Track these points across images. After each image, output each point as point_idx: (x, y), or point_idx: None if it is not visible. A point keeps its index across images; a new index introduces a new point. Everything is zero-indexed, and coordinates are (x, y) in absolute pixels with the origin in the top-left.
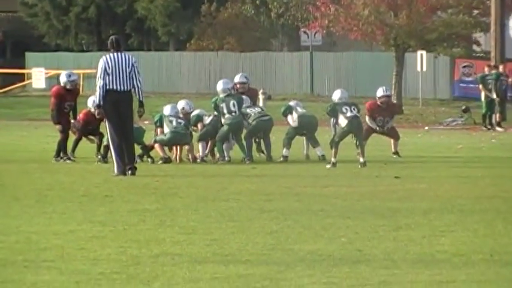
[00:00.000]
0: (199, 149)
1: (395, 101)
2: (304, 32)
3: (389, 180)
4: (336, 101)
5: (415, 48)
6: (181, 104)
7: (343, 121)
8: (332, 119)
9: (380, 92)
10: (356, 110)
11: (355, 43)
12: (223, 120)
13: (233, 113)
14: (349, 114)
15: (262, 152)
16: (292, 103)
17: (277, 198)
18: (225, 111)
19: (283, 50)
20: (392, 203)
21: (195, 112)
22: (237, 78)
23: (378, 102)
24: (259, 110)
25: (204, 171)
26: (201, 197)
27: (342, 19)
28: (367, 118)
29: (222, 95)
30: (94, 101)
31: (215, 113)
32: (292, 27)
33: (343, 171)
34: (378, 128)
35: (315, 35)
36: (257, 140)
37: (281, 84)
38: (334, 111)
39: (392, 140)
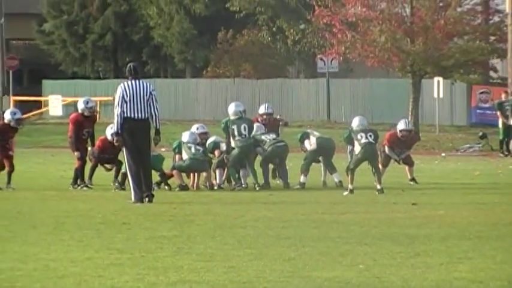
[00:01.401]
0: (217, 176)
1: (413, 127)
2: (321, 59)
3: (407, 207)
4: (355, 128)
5: (431, 74)
6: (194, 127)
7: (357, 148)
8: (348, 146)
9: (402, 126)
10: (372, 137)
11: (372, 70)
12: (233, 143)
13: (243, 136)
14: (363, 141)
15: (281, 177)
16: (308, 130)
17: (294, 225)
18: (236, 133)
19: (300, 76)
20: (410, 230)
21: (212, 139)
22: (263, 109)
23: (399, 135)
24: (274, 136)
25: (221, 198)
26: (218, 224)
27: (358, 46)
28: (386, 149)
29: (233, 117)
30: (112, 129)
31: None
32: (308, 54)
33: (360, 198)
34: (397, 158)
35: (331, 61)
36: (273, 166)
37: (298, 111)
38: (349, 138)
39: (406, 167)
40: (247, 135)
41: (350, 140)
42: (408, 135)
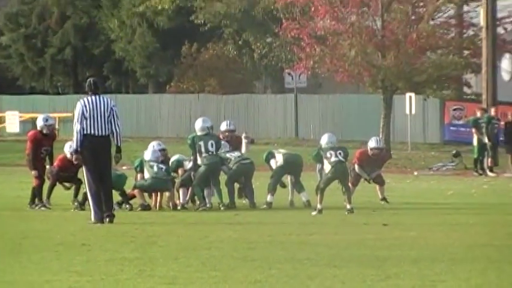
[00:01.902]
0: (180, 195)
1: (384, 145)
2: (289, 74)
3: (378, 228)
4: (324, 145)
5: (403, 90)
6: (152, 144)
7: (327, 167)
8: (318, 165)
9: (372, 144)
10: (342, 154)
11: (342, 85)
12: (199, 160)
13: (210, 153)
14: (333, 159)
15: (246, 196)
16: (272, 150)
17: (260, 246)
18: (203, 149)
19: (267, 92)
20: (381, 252)
21: (175, 157)
22: (224, 126)
23: (370, 153)
24: (238, 154)
25: (185, 219)
26: (181, 246)
27: (327, 60)
28: (356, 167)
29: (200, 133)
30: (71, 146)
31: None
32: (276, 69)
33: (329, 218)
34: (368, 178)
35: (299, 76)
36: (239, 185)
37: (264, 127)
38: (319, 156)
39: (377, 186)
40: (214, 152)
41: (319, 159)
42: (379, 153)
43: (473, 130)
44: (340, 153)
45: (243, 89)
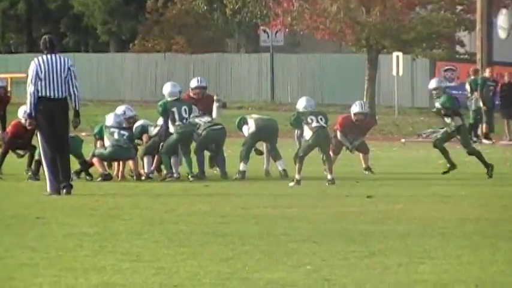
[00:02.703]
0: (145, 164)
1: (369, 110)
2: (264, 31)
3: (361, 200)
4: (301, 110)
5: (390, 49)
6: (121, 108)
7: (308, 133)
8: (296, 131)
9: (356, 108)
10: (324, 120)
11: (322, 43)
12: (172, 128)
13: (184, 120)
14: (314, 124)
15: (218, 166)
16: (245, 115)
17: (233, 220)
18: (177, 117)
19: (240, 51)
20: (365, 226)
21: (139, 123)
22: (195, 83)
23: (353, 119)
24: (209, 119)
25: (150, 190)
26: (146, 220)
27: (306, 16)
28: (338, 134)
29: (170, 99)
30: (25, 111)
31: (160, 121)
32: (250, 26)
33: (308, 189)
34: (350, 146)
35: (276, 34)
36: (210, 153)
37: (238, 90)
38: (298, 121)
39: (361, 155)
40: (188, 118)
41: (298, 124)
42: (364, 119)
43: (475, 93)
44: (321, 119)
45: (214, 48)
